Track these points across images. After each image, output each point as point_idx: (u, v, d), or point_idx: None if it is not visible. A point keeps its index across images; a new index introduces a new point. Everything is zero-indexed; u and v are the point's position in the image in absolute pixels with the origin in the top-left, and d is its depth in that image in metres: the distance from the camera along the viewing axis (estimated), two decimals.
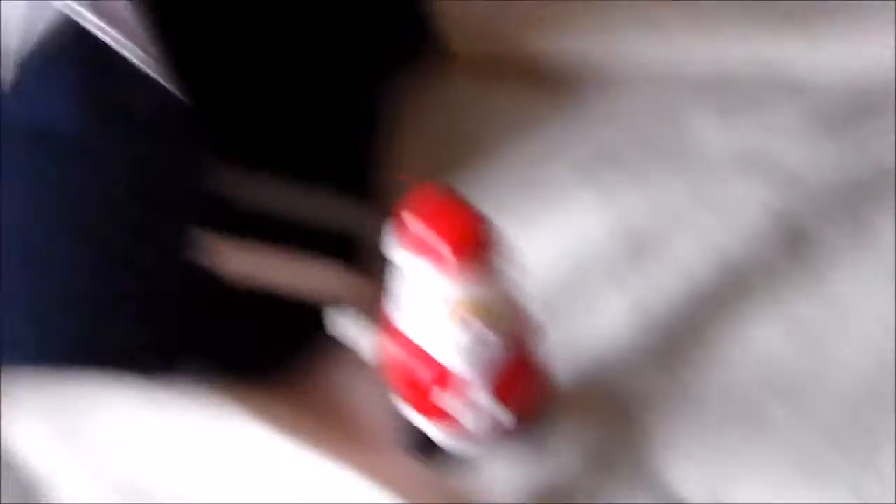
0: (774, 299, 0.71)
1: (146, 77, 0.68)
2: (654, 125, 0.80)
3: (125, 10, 0.68)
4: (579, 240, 0.73)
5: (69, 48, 0.68)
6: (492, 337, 0.58)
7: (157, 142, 0.69)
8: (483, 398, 0.60)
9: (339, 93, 0.78)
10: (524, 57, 0.85)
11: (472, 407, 0.60)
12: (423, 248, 0.56)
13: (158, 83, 0.69)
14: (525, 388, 0.62)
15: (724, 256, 0.73)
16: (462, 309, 0.57)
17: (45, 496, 0.67)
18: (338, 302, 0.72)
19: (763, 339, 0.70)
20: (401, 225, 0.57)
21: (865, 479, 0.63)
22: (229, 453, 0.66)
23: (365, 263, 0.74)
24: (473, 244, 0.56)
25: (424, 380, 0.61)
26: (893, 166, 0.76)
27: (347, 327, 0.63)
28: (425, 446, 0.65)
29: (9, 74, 0.69)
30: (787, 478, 0.64)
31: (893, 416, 0.65)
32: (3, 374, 0.67)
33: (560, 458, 0.65)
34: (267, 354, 0.70)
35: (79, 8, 0.67)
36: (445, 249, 0.56)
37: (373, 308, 0.63)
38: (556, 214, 0.75)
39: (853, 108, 0.80)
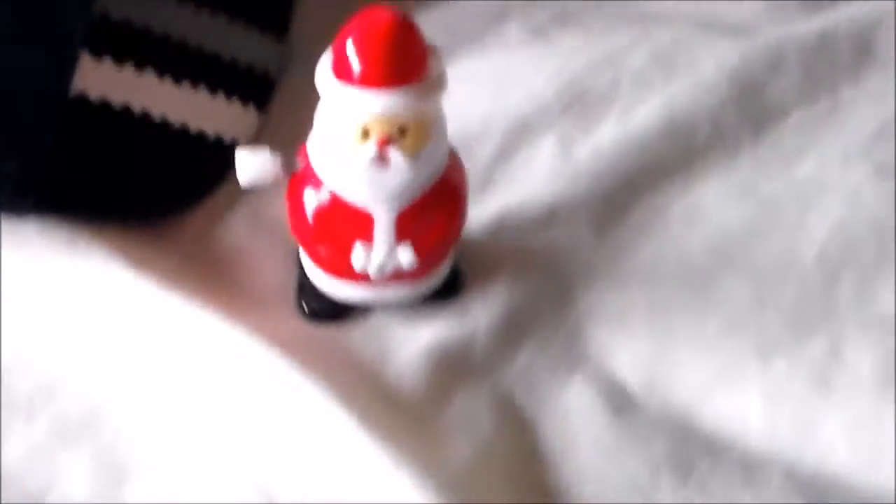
0: (730, 170, 0.64)
1: None
2: None
3: None
4: (523, 95, 0.66)
5: None
6: (401, 159, 0.50)
7: None
8: (384, 231, 0.52)
9: None
10: None
11: (375, 242, 0.53)
12: (347, 68, 0.49)
13: None
14: (432, 228, 0.54)
15: (678, 120, 0.65)
16: (376, 125, 0.49)
17: None
18: (241, 143, 0.63)
19: (715, 210, 0.62)
20: (332, 49, 0.50)
21: (827, 365, 0.56)
22: (103, 304, 0.57)
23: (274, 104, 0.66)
24: (398, 59, 0.48)
25: (332, 228, 0.53)
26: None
27: (252, 172, 0.54)
28: (324, 307, 0.57)
29: None
30: (736, 358, 0.56)
31: (858, 301, 0.58)
32: None
33: (473, 320, 0.57)
34: (154, 198, 0.61)
35: None
36: (370, 60, 0.48)
37: (284, 153, 0.54)
38: (502, 69, 0.68)
39: None
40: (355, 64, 0.48)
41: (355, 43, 0.48)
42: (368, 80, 0.48)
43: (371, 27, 0.48)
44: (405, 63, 0.48)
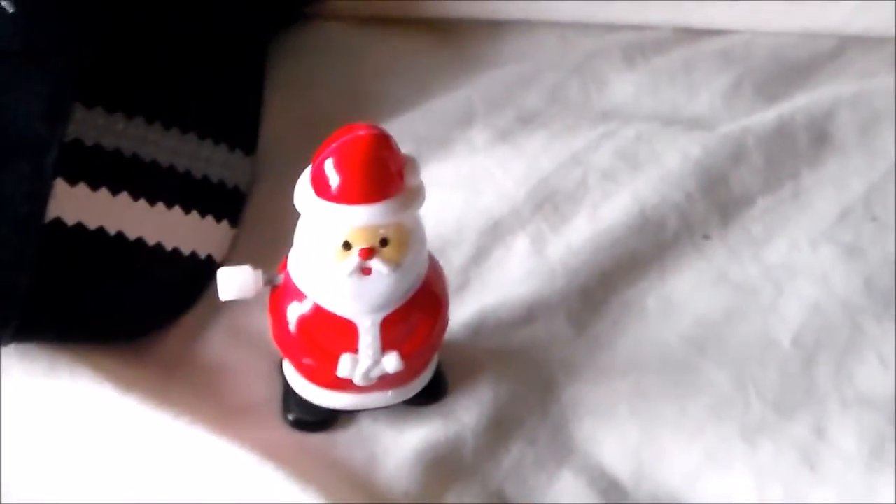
0: (701, 258, 0.65)
1: None
2: (568, 81, 0.74)
3: None
4: (494, 197, 0.67)
5: None
6: (384, 268, 0.51)
7: None
8: (370, 339, 0.53)
9: (222, 39, 0.70)
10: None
11: (360, 351, 0.53)
12: (328, 185, 0.49)
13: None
14: (417, 333, 0.54)
15: (647, 213, 0.66)
16: (357, 237, 0.50)
17: None
18: (217, 260, 0.64)
19: (690, 299, 0.63)
20: (311, 167, 0.50)
21: (813, 444, 0.57)
22: (90, 426, 0.57)
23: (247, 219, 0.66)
24: (378, 174, 0.49)
25: (317, 339, 0.54)
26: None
27: (234, 288, 0.54)
28: (310, 416, 0.57)
29: None
30: (723, 441, 0.56)
31: (837, 380, 0.59)
32: None
33: (460, 420, 0.57)
34: (133, 318, 0.61)
35: None
36: (351, 177, 0.49)
37: (262, 268, 0.54)
38: (471, 172, 0.68)
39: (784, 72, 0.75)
40: (336, 181, 0.49)
41: (335, 161, 0.48)
42: (350, 196, 0.49)
43: (350, 145, 0.48)
44: (385, 177, 0.49)
